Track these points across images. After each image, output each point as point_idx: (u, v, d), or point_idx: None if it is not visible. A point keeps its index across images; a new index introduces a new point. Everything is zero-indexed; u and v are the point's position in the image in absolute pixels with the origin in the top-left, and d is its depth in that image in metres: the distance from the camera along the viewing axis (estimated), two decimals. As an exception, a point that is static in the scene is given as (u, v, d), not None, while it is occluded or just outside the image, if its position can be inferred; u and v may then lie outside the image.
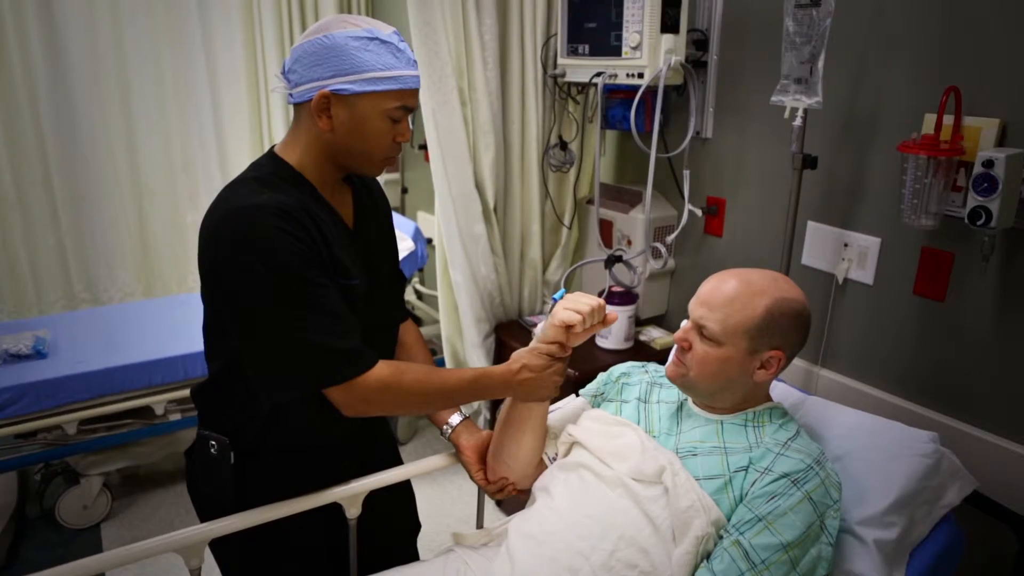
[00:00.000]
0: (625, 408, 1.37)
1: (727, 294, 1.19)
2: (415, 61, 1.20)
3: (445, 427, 1.48)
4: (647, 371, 1.46)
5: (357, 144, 1.19)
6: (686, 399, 1.31)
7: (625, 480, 1.18)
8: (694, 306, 1.23)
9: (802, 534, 1.06)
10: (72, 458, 2.49)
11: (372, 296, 1.30)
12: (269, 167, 1.22)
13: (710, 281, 1.24)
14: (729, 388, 1.22)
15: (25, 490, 2.64)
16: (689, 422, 1.27)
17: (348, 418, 1.21)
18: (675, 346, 1.27)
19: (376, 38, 1.14)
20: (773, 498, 1.09)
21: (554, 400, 1.39)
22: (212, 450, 1.29)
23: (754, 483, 1.12)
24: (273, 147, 1.26)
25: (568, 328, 1.28)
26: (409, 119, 1.23)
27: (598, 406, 1.44)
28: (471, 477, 1.44)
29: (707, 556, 1.10)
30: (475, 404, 2.61)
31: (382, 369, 1.19)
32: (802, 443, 1.18)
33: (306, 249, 1.13)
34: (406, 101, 1.18)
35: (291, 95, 1.18)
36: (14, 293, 3.43)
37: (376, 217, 1.39)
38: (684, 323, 1.26)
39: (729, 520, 1.12)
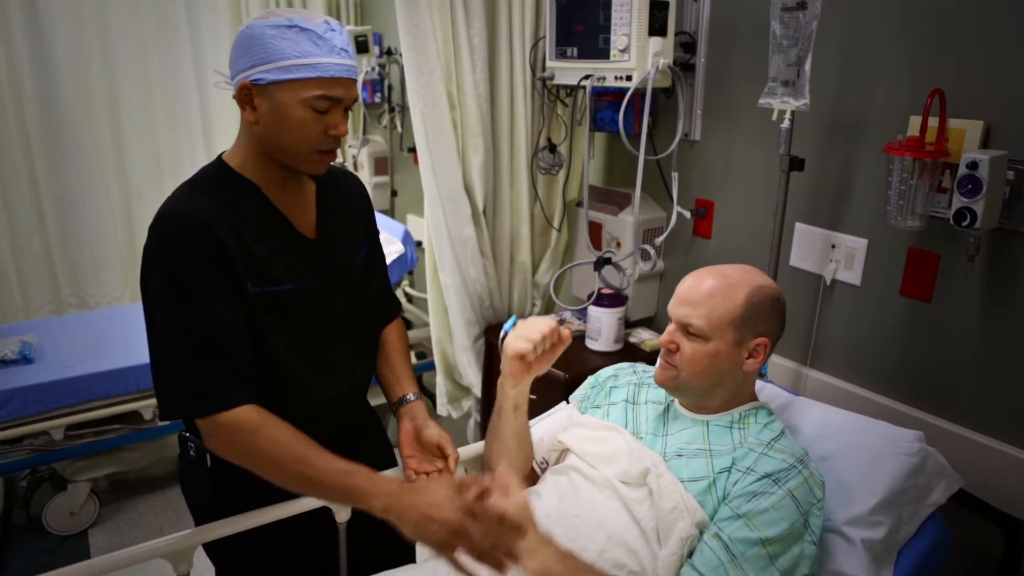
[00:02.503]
0: (613, 411, 1.38)
1: (707, 290, 1.21)
2: (344, 50, 1.15)
3: (396, 403, 1.42)
4: (635, 372, 1.46)
5: (282, 135, 1.16)
6: (672, 400, 1.32)
7: (613, 482, 1.19)
8: (675, 306, 1.24)
9: (784, 531, 1.07)
10: (59, 464, 2.48)
11: (324, 300, 1.27)
12: (209, 169, 1.23)
13: (687, 280, 1.26)
14: (721, 383, 1.23)
15: (11, 497, 2.62)
16: (676, 424, 1.28)
17: (326, 423, 1.21)
18: (661, 351, 1.28)
19: (295, 26, 1.11)
20: (754, 497, 1.10)
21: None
22: (191, 452, 1.30)
23: (736, 483, 1.13)
24: (223, 152, 1.27)
25: (522, 358, 1.27)
26: (344, 111, 1.19)
27: (586, 411, 1.44)
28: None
29: (690, 555, 1.11)
30: (464, 406, 2.61)
31: (243, 414, 1.12)
32: (785, 443, 1.19)
33: (204, 264, 1.11)
34: (327, 90, 1.13)
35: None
36: (0, 297, 3.40)
37: (344, 218, 1.35)
38: (668, 327, 1.26)
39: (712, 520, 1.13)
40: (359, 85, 3.57)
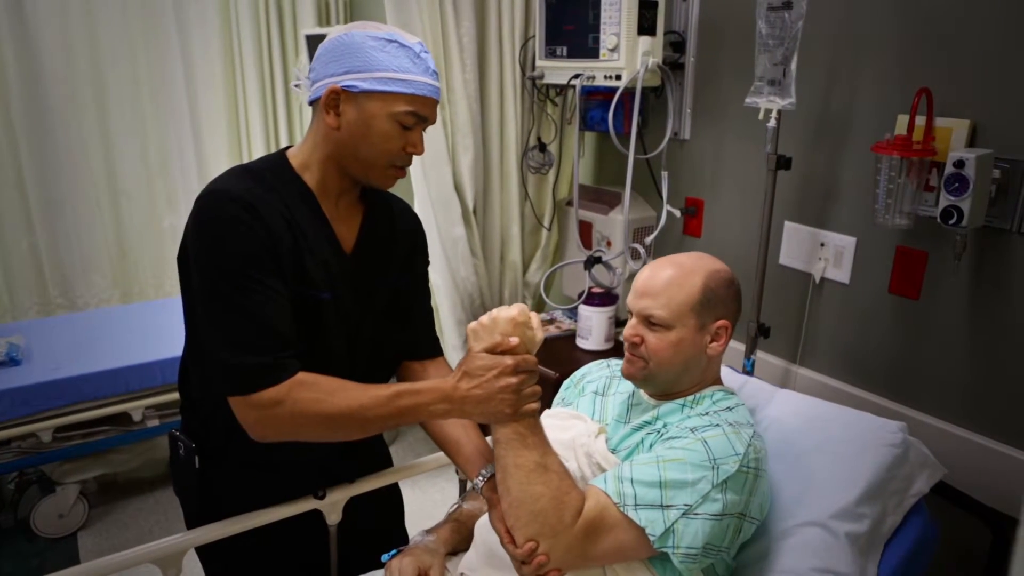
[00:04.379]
0: (582, 402, 1.40)
1: (664, 279, 1.22)
2: (435, 72, 1.17)
3: (477, 479, 1.22)
4: (608, 366, 1.48)
5: (362, 145, 1.15)
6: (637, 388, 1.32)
7: (573, 470, 1.20)
8: (635, 299, 1.25)
9: (680, 456, 1.07)
10: (47, 466, 2.46)
11: (348, 315, 1.25)
12: (270, 160, 1.22)
13: (643, 272, 1.27)
14: (687, 370, 1.24)
15: (-1, 500, 2.60)
16: (637, 409, 1.30)
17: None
18: (625, 346, 1.28)
19: (396, 41, 1.12)
20: (669, 439, 1.13)
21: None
22: (180, 451, 1.29)
23: (661, 437, 1.16)
24: (289, 146, 1.26)
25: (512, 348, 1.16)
26: (423, 133, 1.19)
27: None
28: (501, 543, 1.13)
29: None
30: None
31: (282, 387, 1.09)
32: (727, 414, 1.18)
33: (258, 247, 1.10)
34: (418, 108, 1.14)
35: (310, 94, 1.18)
36: (-13, 299, 3.37)
37: (386, 244, 1.32)
38: (629, 321, 1.27)
39: None
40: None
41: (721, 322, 1.23)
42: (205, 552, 1.35)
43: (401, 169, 1.22)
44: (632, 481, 1.06)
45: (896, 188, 1.49)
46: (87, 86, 3.32)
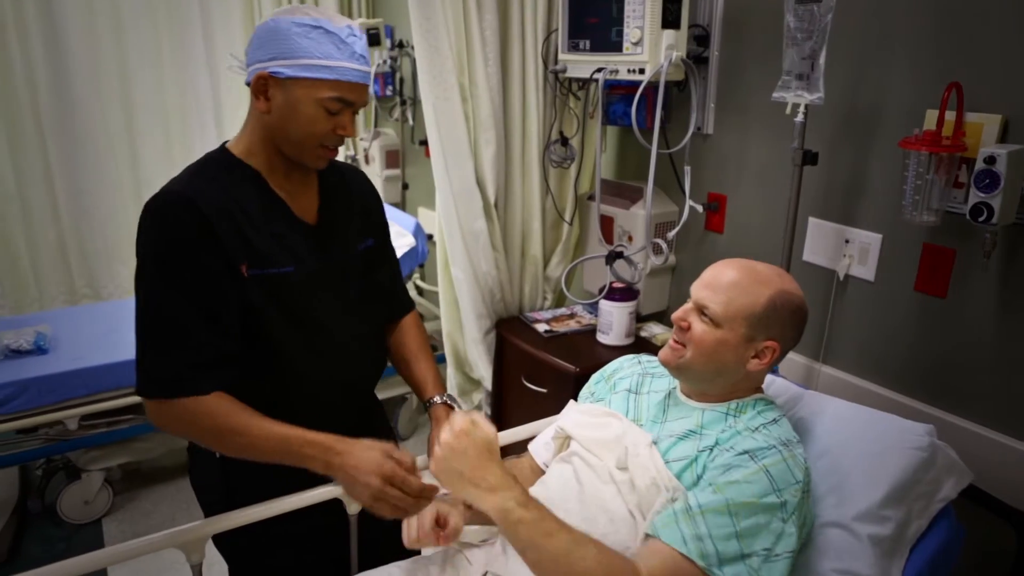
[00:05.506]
0: (615, 399, 1.38)
1: (732, 279, 1.21)
2: (362, 57, 1.20)
3: (435, 397, 1.44)
4: (639, 363, 1.47)
5: (291, 129, 1.19)
6: (674, 387, 1.32)
7: (610, 467, 1.21)
8: (697, 288, 1.24)
9: (750, 497, 1.05)
10: (73, 453, 2.50)
11: (323, 284, 1.29)
12: (211, 155, 1.26)
13: (715, 266, 1.26)
14: (722, 375, 1.23)
15: (27, 485, 2.65)
16: (675, 410, 1.28)
17: (332, 414, 1.21)
18: (672, 329, 1.27)
19: (320, 27, 1.15)
20: (728, 470, 1.10)
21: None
22: (199, 444, 1.31)
23: (715, 459, 1.13)
24: (226, 141, 1.30)
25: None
26: (354, 113, 1.23)
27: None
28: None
29: None
30: (475, 399, 2.61)
31: (191, 402, 1.15)
32: (774, 429, 1.17)
33: (188, 245, 1.13)
34: (343, 93, 1.18)
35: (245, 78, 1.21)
36: (15, 288, 3.43)
37: (347, 209, 1.38)
38: (685, 305, 1.26)
39: None
40: (371, 78, 3.58)
41: (771, 343, 1.21)
42: (226, 544, 1.36)
43: (332, 149, 1.26)
44: (711, 537, 1.03)
45: (924, 184, 1.47)
46: (113, 79, 3.36)
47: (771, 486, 1.06)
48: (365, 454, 1.17)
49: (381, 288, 1.47)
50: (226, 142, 1.28)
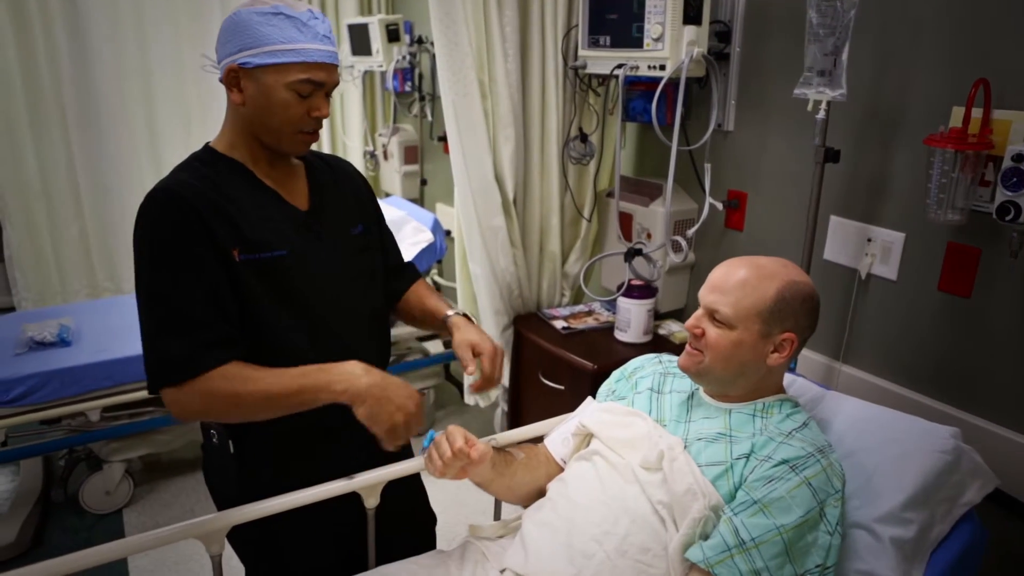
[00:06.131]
0: (638, 399, 1.38)
1: (738, 278, 1.20)
2: (326, 37, 1.21)
3: (441, 325, 1.45)
4: (660, 362, 1.46)
5: (267, 118, 1.21)
6: (697, 388, 1.31)
7: (634, 467, 1.20)
8: (705, 292, 1.24)
9: (799, 518, 1.06)
10: (95, 444, 2.53)
11: (318, 266, 1.29)
12: (197, 154, 1.28)
13: (720, 268, 1.25)
14: (743, 374, 1.22)
15: (50, 475, 2.69)
16: (699, 411, 1.27)
17: (339, 403, 1.21)
18: (688, 338, 1.27)
19: (280, 13, 1.16)
20: (771, 482, 1.09)
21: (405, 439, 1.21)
22: (213, 439, 1.32)
23: (754, 470, 1.13)
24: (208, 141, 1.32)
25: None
26: (326, 95, 1.24)
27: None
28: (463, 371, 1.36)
29: (705, 538, 1.11)
30: (491, 396, 2.61)
31: (202, 379, 1.14)
32: (807, 433, 1.18)
33: (178, 236, 1.15)
34: (312, 74, 1.19)
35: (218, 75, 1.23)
36: (39, 281, 3.48)
37: (337, 195, 1.39)
38: (696, 312, 1.26)
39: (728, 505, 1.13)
40: (390, 74, 3.59)
41: (788, 334, 1.20)
42: (240, 543, 1.37)
43: (311, 134, 1.27)
44: (768, 570, 1.04)
45: (949, 183, 1.45)
46: (135, 77, 3.40)
47: (814, 499, 1.08)
48: (400, 381, 1.19)
49: (379, 270, 1.46)
50: (208, 142, 1.31)
